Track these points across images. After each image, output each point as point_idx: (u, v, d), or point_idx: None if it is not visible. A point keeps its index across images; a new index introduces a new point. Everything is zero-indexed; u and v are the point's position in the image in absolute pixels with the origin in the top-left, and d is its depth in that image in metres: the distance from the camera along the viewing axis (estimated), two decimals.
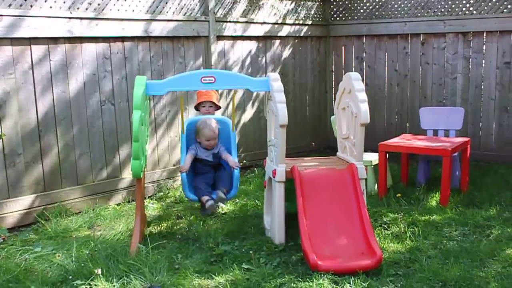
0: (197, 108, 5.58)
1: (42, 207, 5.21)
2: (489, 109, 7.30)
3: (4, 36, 4.85)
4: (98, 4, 5.50)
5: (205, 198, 4.88)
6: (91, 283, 3.66)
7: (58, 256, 4.17)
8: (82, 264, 3.95)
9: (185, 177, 4.93)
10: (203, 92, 5.48)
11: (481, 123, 7.39)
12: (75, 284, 3.68)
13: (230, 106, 6.96)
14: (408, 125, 7.97)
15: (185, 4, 6.34)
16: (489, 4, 7.08)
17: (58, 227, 4.96)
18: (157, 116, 6.18)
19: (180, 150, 5.24)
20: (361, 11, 8.22)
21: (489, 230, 4.73)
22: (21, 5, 4.95)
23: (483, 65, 7.28)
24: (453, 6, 7.37)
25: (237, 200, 5.69)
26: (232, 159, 5.10)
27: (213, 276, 3.85)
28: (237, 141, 5.16)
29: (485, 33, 7.19)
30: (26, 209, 5.12)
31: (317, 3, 8.33)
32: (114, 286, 3.65)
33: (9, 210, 5.01)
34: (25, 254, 4.28)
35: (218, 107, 5.62)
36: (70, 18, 5.25)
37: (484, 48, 7.25)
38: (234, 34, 6.98)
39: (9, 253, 4.33)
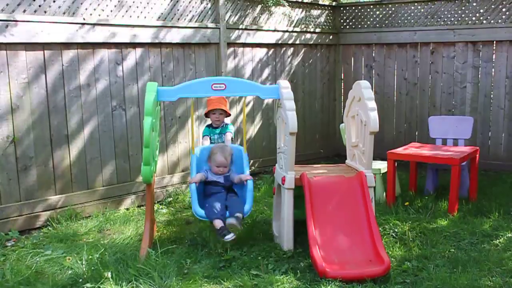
0: (207, 115, 5.58)
1: (53, 211, 5.27)
2: (498, 119, 7.29)
3: (19, 42, 4.92)
4: (111, 10, 5.56)
5: (221, 229, 4.42)
6: (101, 287, 3.70)
7: (69, 259, 4.20)
8: (92, 268, 3.98)
9: (195, 187, 4.67)
10: (213, 99, 5.43)
11: (490, 132, 7.39)
12: (85, 287, 3.72)
13: (238, 112, 7.00)
14: (417, 133, 7.98)
15: (196, 12, 6.40)
16: (499, 14, 7.09)
17: (68, 230, 5.01)
18: (167, 122, 6.24)
19: (190, 169, 5.02)
20: (371, 19, 8.25)
21: (497, 239, 4.73)
22: (35, 11, 5.02)
23: (493, 74, 7.29)
24: (463, 15, 7.39)
25: None
26: (244, 175, 4.87)
27: (222, 281, 3.87)
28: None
29: (495, 43, 7.21)
30: (37, 212, 5.17)
31: (327, 11, 8.37)
32: None
33: (20, 213, 5.06)
34: (35, 256, 4.33)
35: (228, 114, 5.63)
36: (82, 24, 5.32)
37: (493, 57, 7.26)
38: (244, 41, 7.03)
39: (20, 256, 4.39)
